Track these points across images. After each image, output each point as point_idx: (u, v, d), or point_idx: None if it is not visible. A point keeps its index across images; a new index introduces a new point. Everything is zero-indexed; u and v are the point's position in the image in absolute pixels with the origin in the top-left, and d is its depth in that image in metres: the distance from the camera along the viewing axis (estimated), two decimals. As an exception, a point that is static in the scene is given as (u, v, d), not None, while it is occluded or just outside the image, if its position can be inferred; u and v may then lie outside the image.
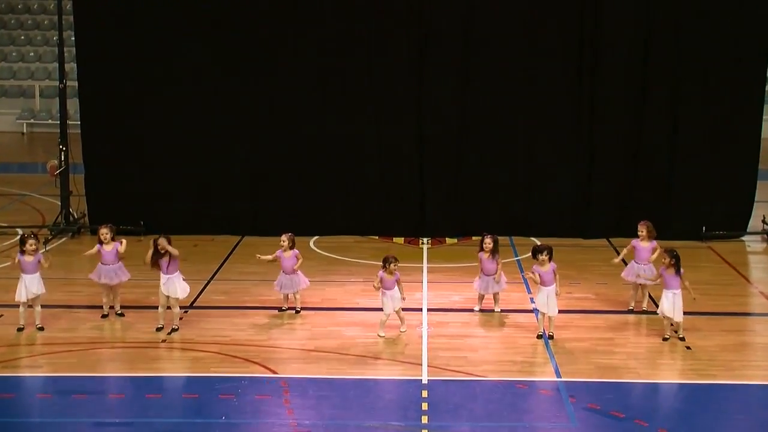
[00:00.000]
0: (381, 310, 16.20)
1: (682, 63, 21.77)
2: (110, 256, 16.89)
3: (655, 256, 17.07)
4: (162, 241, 16.17)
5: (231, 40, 22.04)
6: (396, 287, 16.16)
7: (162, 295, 16.29)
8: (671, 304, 15.87)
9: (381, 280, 16.09)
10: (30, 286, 16.21)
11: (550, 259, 16.08)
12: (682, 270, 15.87)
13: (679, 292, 15.88)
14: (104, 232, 16.93)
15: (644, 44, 21.82)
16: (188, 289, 16.56)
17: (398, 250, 17.83)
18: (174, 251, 16.17)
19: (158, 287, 16.31)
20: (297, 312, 17.28)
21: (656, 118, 21.96)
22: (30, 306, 16.41)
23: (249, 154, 22.45)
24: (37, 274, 16.30)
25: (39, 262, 16.32)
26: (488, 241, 17.14)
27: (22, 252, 16.28)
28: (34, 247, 16.26)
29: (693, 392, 14.35)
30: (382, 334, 16.12)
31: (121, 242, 16.99)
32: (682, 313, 15.93)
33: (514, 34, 21.94)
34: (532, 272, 16.16)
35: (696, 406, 13.78)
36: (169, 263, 16.18)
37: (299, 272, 17.27)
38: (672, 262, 15.84)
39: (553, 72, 21.99)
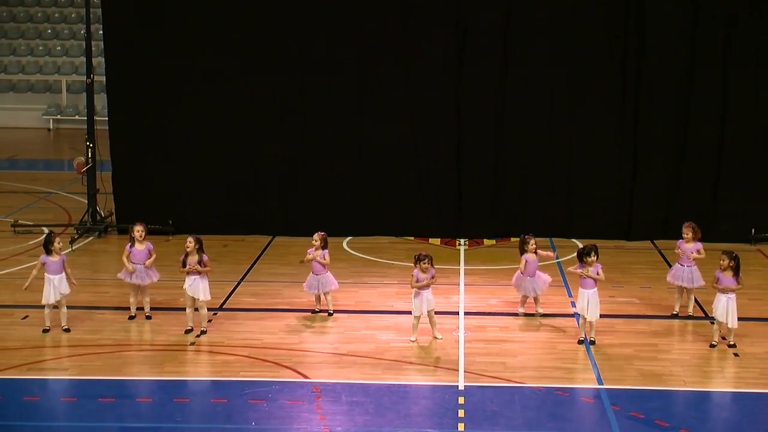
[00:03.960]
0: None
1: (730, 61, 21.43)
2: (141, 255, 16.68)
3: (700, 256, 16.81)
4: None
5: (264, 37, 21.85)
6: (430, 288, 15.86)
7: (188, 297, 16.12)
8: (724, 308, 15.49)
9: (417, 279, 15.79)
10: (59, 286, 16.04)
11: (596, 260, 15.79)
12: (740, 274, 15.52)
13: (733, 296, 15.50)
14: (140, 230, 16.75)
15: (691, 41, 21.48)
16: (209, 294, 16.23)
17: (434, 252, 17.66)
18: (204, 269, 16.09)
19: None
20: (330, 314, 17.09)
21: (703, 117, 21.62)
22: (55, 307, 16.23)
23: (281, 152, 22.22)
24: (63, 274, 16.11)
25: (64, 262, 16.16)
26: (534, 242, 16.90)
27: (48, 252, 16.07)
28: (60, 245, 16.17)
29: (742, 402, 14.03)
30: (414, 339, 15.88)
31: (151, 254, 16.75)
32: (736, 318, 15.54)
33: (554, 33, 21.65)
34: (575, 269, 15.89)
35: (745, 417, 13.49)
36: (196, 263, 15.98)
37: (328, 273, 17.07)
38: (731, 264, 15.49)
39: (596, 71, 21.69)
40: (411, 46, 21.79)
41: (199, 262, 15.94)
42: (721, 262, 15.60)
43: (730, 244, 19.26)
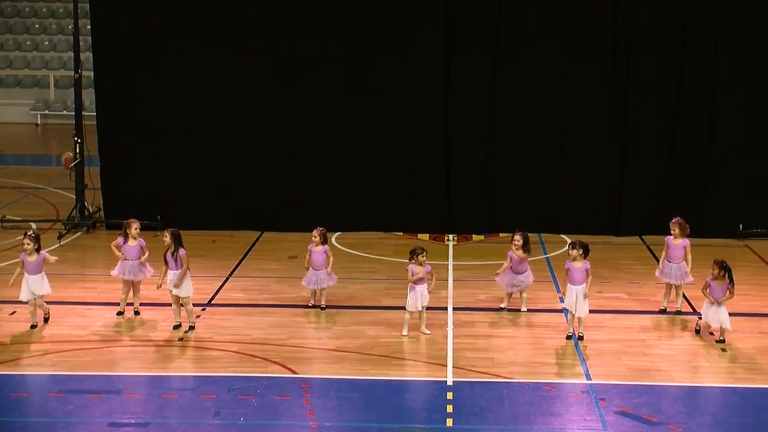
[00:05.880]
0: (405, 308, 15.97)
1: (720, 57, 21.45)
2: (134, 251, 16.67)
3: (689, 258, 16.87)
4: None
5: (253, 33, 21.84)
6: (425, 283, 15.88)
7: (171, 293, 16.07)
8: (715, 314, 15.63)
9: (413, 274, 15.78)
10: (32, 286, 15.98)
11: (584, 257, 15.79)
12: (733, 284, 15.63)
13: (724, 305, 15.63)
14: (137, 227, 16.79)
15: (680, 39, 21.49)
16: (191, 290, 16.14)
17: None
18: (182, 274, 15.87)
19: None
20: (322, 309, 17.10)
21: (692, 113, 21.62)
22: (36, 304, 16.16)
23: (270, 147, 22.20)
24: (41, 274, 16.06)
25: (43, 261, 16.06)
26: (517, 238, 16.88)
27: (24, 251, 16.06)
28: (29, 246, 15.96)
29: (729, 396, 14.02)
30: (406, 333, 15.88)
31: (144, 252, 16.76)
32: (729, 322, 15.63)
33: (544, 30, 21.64)
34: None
35: (733, 412, 13.48)
36: (175, 258, 15.91)
37: (327, 268, 17.04)
38: (722, 274, 15.55)
39: (586, 67, 21.69)
40: (400, 41, 21.79)
41: (174, 255, 15.84)
42: (713, 271, 15.64)
43: (718, 240, 19.43)
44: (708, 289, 15.66)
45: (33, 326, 16.05)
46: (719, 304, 15.56)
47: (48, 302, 16.25)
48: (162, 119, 22.04)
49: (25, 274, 15.96)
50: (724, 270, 15.54)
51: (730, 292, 15.55)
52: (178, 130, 22.06)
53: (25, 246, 15.96)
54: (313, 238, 16.96)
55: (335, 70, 21.86)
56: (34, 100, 40.98)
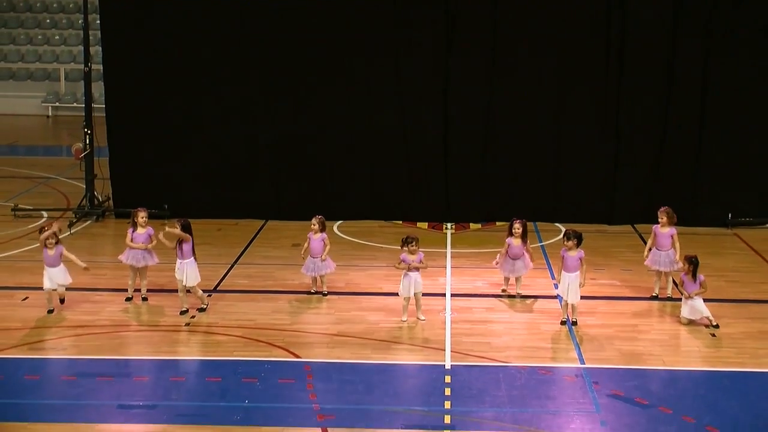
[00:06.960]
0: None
1: (711, 47, 21.55)
2: (141, 239, 16.96)
3: (677, 246, 17.07)
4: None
5: (257, 27, 22.01)
6: (418, 270, 16.11)
7: (178, 280, 16.34)
8: (689, 310, 15.98)
9: (403, 261, 16.07)
10: (54, 278, 16.32)
11: (577, 246, 16.00)
12: (701, 276, 15.90)
13: (697, 298, 15.90)
14: (143, 216, 17.03)
15: (672, 29, 21.58)
16: (198, 278, 16.41)
17: (422, 235, 17.90)
18: (180, 234, 16.18)
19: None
20: (324, 295, 17.31)
21: (683, 103, 21.74)
22: (54, 289, 16.45)
23: (274, 138, 22.40)
24: (61, 266, 16.37)
25: (61, 254, 16.35)
26: (517, 226, 17.09)
27: (45, 246, 16.38)
28: (51, 242, 16.30)
29: (718, 380, 14.22)
30: (405, 319, 16.08)
31: (153, 240, 17.04)
32: (707, 310, 15.94)
33: (541, 21, 21.76)
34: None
35: (721, 394, 13.67)
36: (182, 248, 16.22)
37: (322, 255, 17.22)
38: (689, 269, 15.86)
39: (582, 60, 21.83)
40: (400, 33, 21.92)
41: (180, 242, 16.16)
42: (683, 266, 16.03)
43: (708, 228, 19.55)
44: (682, 285, 16.01)
45: (50, 311, 16.32)
46: (692, 298, 15.89)
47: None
48: (169, 111, 22.25)
49: (46, 267, 16.26)
50: (690, 264, 15.85)
51: (702, 286, 15.87)
52: (184, 122, 22.26)
53: (47, 239, 16.26)
54: (312, 226, 17.17)
55: (336, 63, 22.03)
56: (45, 92, 41.16)
